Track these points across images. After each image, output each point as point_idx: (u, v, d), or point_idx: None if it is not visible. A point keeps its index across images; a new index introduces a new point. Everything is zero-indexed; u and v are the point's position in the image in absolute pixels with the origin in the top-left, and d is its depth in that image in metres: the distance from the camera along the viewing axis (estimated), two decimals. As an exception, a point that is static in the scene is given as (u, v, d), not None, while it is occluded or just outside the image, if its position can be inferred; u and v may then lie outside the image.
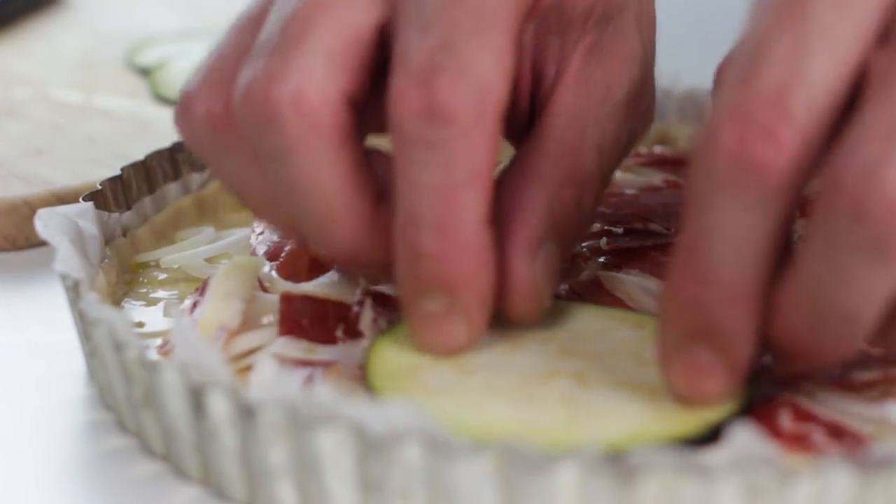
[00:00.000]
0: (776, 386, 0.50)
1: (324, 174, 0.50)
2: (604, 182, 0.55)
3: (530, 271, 0.51)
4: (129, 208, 0.66)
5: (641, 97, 0.57)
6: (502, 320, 0.52)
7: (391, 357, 0.51)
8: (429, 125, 0.48)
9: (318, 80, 0.49)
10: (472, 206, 0.49)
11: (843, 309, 0.44)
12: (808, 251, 0.44)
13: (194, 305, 0.57)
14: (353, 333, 0.56)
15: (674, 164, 0.71)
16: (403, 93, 0.48)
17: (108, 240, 0.63)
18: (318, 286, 0.57)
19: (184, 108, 0.53)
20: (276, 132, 0.49)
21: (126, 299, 0.62)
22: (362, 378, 0.52)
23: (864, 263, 0.42)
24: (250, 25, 0.53)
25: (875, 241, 0.42)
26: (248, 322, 0.56)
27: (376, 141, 0.56)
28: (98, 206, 0.63)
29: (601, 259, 0.62)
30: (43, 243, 0.71)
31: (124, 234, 0.65)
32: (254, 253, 0.63)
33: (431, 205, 0.48)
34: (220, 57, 0.53)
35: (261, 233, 0.64)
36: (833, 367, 0.49)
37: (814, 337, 0.45)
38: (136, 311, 0.61)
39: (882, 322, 0.45)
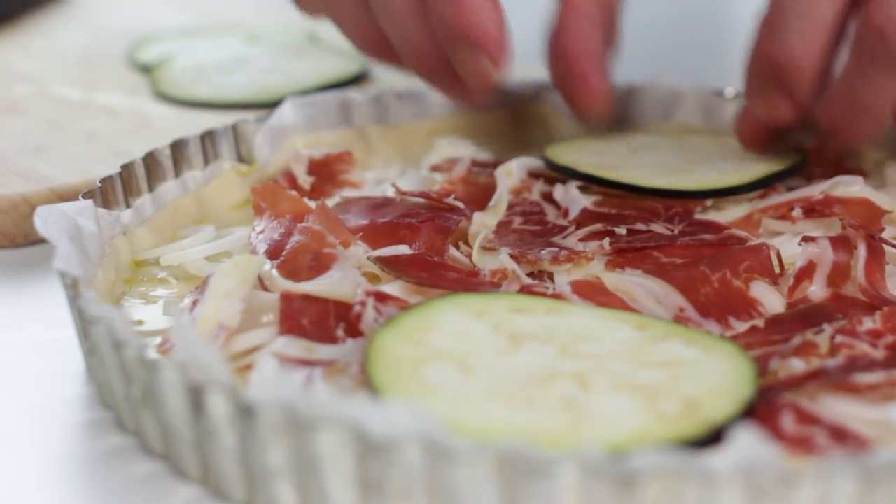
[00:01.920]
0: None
1: None
2: None
3: (603, 81, 0.71)
4: (128, 206, 0.66)
5: None
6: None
7: (391, 349, 0.51)
8: None
9: None
10: None
11: (868, 104, 0.64)
12: (849, 63, 0.64)
13: (194, 304, 0.57)
14: (354, 333, 0.55)
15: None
16: None
17: (107, 238, 0.63)
18: (318, 285, 0.57)
19: None
20: None
21: (125, 297, 0.62)
22: (363, 378, 0.52)
23: (884, 73, 0.63)
24: None
25: (892, 58, 0.62)
26: (248, 321, 0.56)
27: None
28: (98, 203, 0.63)
29: (603, 259, 0.62)
30: (42, 241, 0.71)
31: (124, 232, 0.65)
32: (254, 251, 0.63)
33: None
34: None
35: (261, 231, 0.64)
36: (857, 144, 0.68)
37: (846, 121, 0.65)
38: (136, 309, 0.61)
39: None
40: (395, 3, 0.68)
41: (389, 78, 0.93)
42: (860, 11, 0.64)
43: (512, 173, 0.70)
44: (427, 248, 0.62)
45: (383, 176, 0.74)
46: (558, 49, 0.71)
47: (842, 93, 0.65)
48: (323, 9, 0.73)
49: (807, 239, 0.61)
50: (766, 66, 0.65)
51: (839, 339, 0.54)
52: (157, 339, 0.57)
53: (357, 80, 0.93)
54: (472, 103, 0.74)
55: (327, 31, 1.04)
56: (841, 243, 0.61)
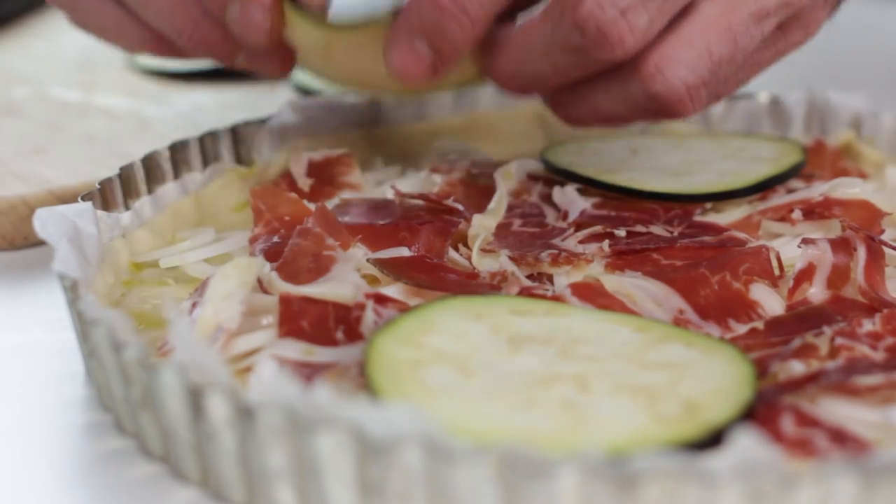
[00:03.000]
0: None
1: None
2: None
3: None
4: (128, 208, 0.66)
5: None
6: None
7: (391, 351, 0.51)
8: None
9: None
10: None
11: (537, 70, 0.63)
12: (537, 28, 0.62)
13: (193, 306, 0.57)
14: (354, 335, 0.55)
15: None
16: None
17: (106, 240, 0.63)
18: (318, 288, 0.57)
19: None
20: None
21: (124, 299, 0.62)
22: (362, 380, 0.52)
23: (563, 53, 0.61)
24: None
25: (575, 44, 0.60)
26: (248, 323, 0.56)
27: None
28: (97, 205, 0.63)
29: (603, 261, 0.62)
30: (41, 243, 0.71)
31: (123, 235, 0.65)
32: (253, 254, 0.63)
33: None
34: None
35: (260, 233, 0.64)
36: (517, 95, 0.66)
37: (515, 80, 0.64)
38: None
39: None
40: None
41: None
42: None
43: (511, 175, 0.70)
44: (426, 250, 0.62)
45: (383, 178, 0.74)
46: None
47: (523, 49, 0.62)
48: (86, 22, 0.70)
49: (806, 241, 0.61)
50: (426, 16, 0.61)
51: (839, 341, 0.54)
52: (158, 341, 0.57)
53: None
54: (261, 69, 0.68)
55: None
56: (841, 245, 0.61)
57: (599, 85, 0.63)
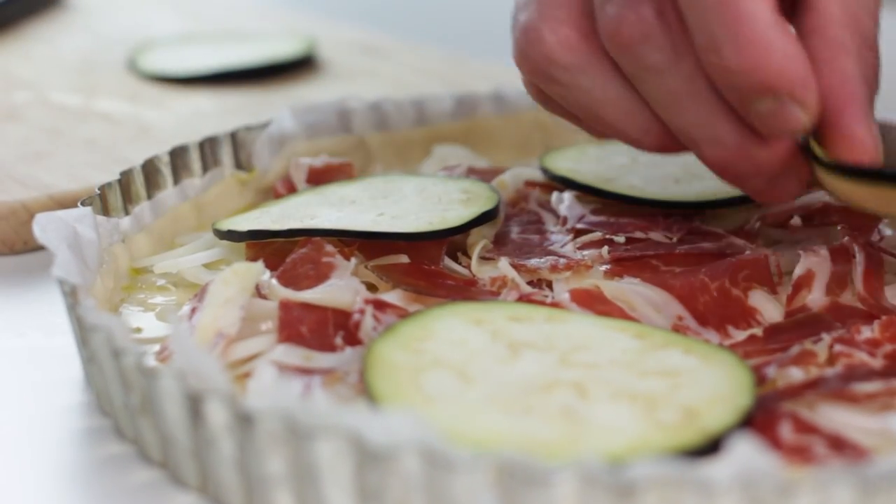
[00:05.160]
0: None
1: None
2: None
3: (870, 133, 0.55)
4: (127, 213, 0.66)
5: None
6: None
7: (390, 358, 0.51)
8: None
9: None
10: (756, 7, 0.52)
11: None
12: None
13: (193, 311, 0.57)
14: (353, 341, 0.55)
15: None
16: None
17: (106, 245, 0.63)
18: (317, 293, 0.57)
19: (532, 38, 0.58)
20: (655, 52, 0.55)
21: (124, 305, 0.62)
22: (361, 386, 0.52)
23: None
24: None
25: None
26: (247, 329, 0.56)
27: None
28: (96, 210, 0.63)
29: (602, 268, 0.62)
30: (41, 248, 0.71)
31: (122, 240, 0.65)
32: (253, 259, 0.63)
33: (721, 21, 0.53)
34: None
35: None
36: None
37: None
38: (134, 316, 0.61)
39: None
40: (669, 81, 0.55)
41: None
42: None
43: (506, 185, 0.70)
44: (424, 256, 0.62)
45: (382, 184, 0.74)
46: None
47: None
48: (578, 107, 0.59)
49: (805, 248, 0.61)
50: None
51: (838, 348, 0.54)
52: (156, 347, 0.57)
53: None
54: (785, 192, 0.59)
55: (327, 45, 1.04)
56: (839, 252, 0.61)
57: None
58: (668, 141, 0.58)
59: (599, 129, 0.60)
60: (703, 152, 0.57)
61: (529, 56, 0.58)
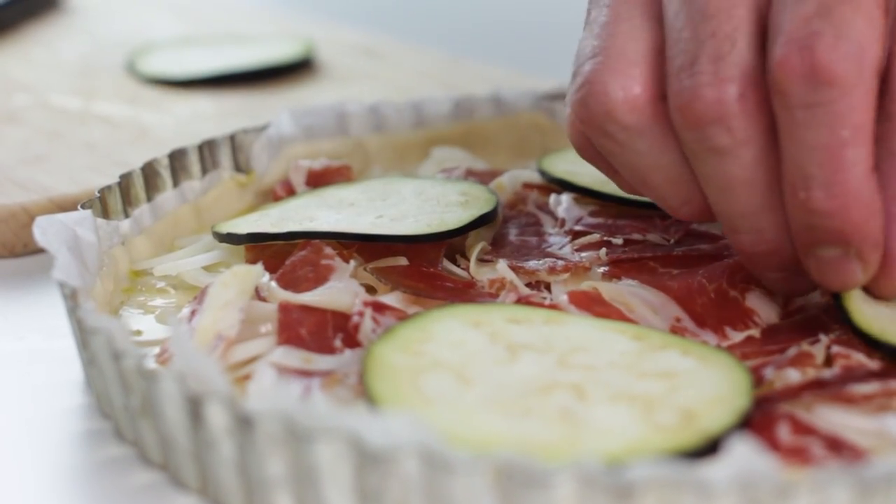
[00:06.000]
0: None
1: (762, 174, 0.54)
2: None
3: None
4: (127, 216, 0.66)
5: None
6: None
7: (389, 360, 0.51)
8: (812, 88, 0.51)
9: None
10: (858, 161, 0.52)
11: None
12: None
13: (192, 314, 0.57)
14: (352, 343, 0.56)
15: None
16: (786, 59, 0.51)
17: (105, 248, 0.63)
18: (316, 295, 0.57)
19: (597, 90, 0.56)
20: (724, 133, 0.53)
21: (124, 307, 0.62)
22: (360, 389, 0.52)
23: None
24: (649, 8, 0.56)
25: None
26: (247, 331, 0.56)
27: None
28: (96, 213, 0.63)
29: (600, 270, 0.62)
30: (41, 251, 0.71)
31: (122, 242, 0.65)
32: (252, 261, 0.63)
33: (820, 163, 0.52)
34: (626, 42, 0.56)
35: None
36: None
37: None
38: (134, 319, 0.61)
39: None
40: (728, 166, 0.54)
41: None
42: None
43: (504, 187, 0.70)
44: (423, 258, 0.62)
45: (381, 186, 0.74)
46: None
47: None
48: (625, 166, 0.58)
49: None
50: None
51: (835, 349, 0.54)
52: (156, 350, 0.58)
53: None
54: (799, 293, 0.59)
55: (325, 47, 1.04)
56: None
57: None
58: (706, 215, 0.57)
59: (638, 188, 0.58)
60: (740, 238, 0.56)
61: (590, 107, 0.56)
